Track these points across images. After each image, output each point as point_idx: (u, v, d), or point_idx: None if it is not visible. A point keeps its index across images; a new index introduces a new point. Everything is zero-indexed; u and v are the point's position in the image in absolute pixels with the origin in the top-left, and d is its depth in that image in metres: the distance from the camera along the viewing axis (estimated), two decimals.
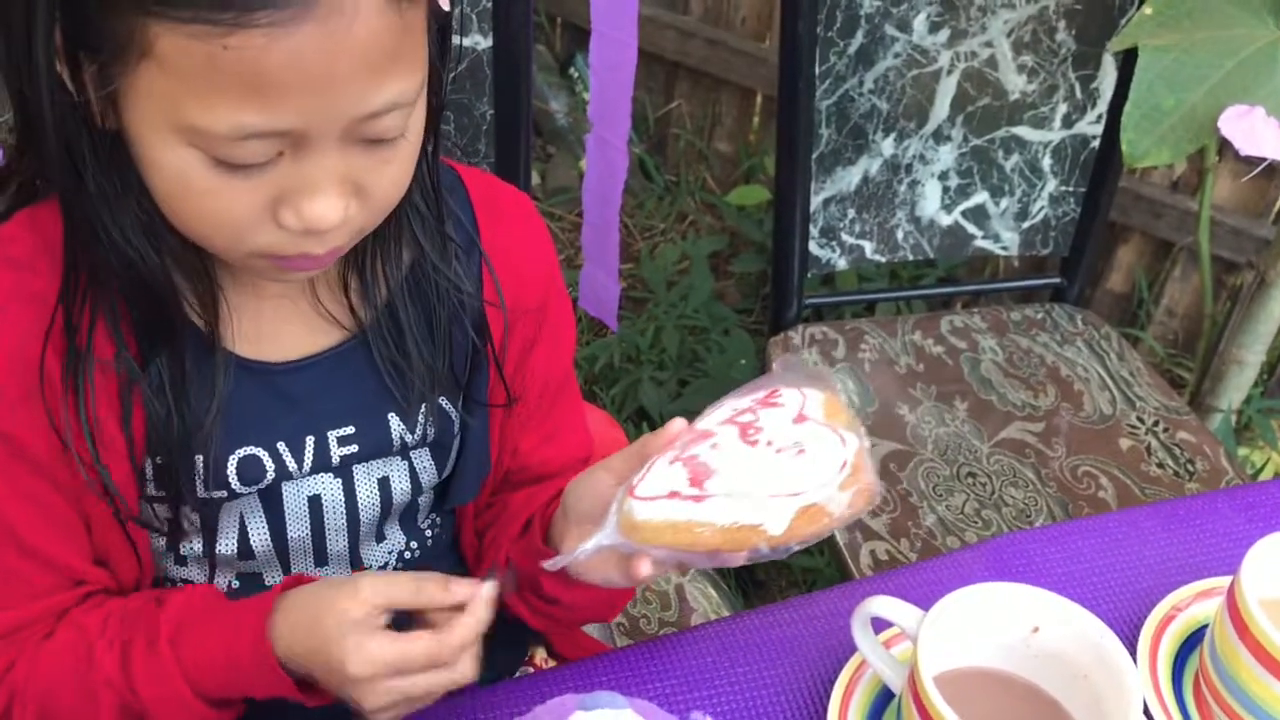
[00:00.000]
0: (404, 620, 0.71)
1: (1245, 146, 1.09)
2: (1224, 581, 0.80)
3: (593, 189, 1.39)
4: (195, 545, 0.78)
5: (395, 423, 0.79)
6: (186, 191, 0.63)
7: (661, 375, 2.03)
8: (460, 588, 0.69)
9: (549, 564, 0.69)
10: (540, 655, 0.98)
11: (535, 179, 2.47)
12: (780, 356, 0.73)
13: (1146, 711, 0.77)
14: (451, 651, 0.68)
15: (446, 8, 0.63)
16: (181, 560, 0.79)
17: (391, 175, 0.67)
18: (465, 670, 0.69)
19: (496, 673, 0.90)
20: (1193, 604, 0.84)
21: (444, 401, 0.80)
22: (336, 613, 0.68)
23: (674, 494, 0.64)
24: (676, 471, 0.65)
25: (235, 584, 0.81)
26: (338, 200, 0.64)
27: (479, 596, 0.69)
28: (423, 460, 0.82)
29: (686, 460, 0.66)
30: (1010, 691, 0.75)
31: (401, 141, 0.65)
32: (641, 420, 1.96)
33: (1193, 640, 0.82)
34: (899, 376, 1.46)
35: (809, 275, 1.47)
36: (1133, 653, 0.80)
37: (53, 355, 0.69)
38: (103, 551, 0.76)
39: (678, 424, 0.69)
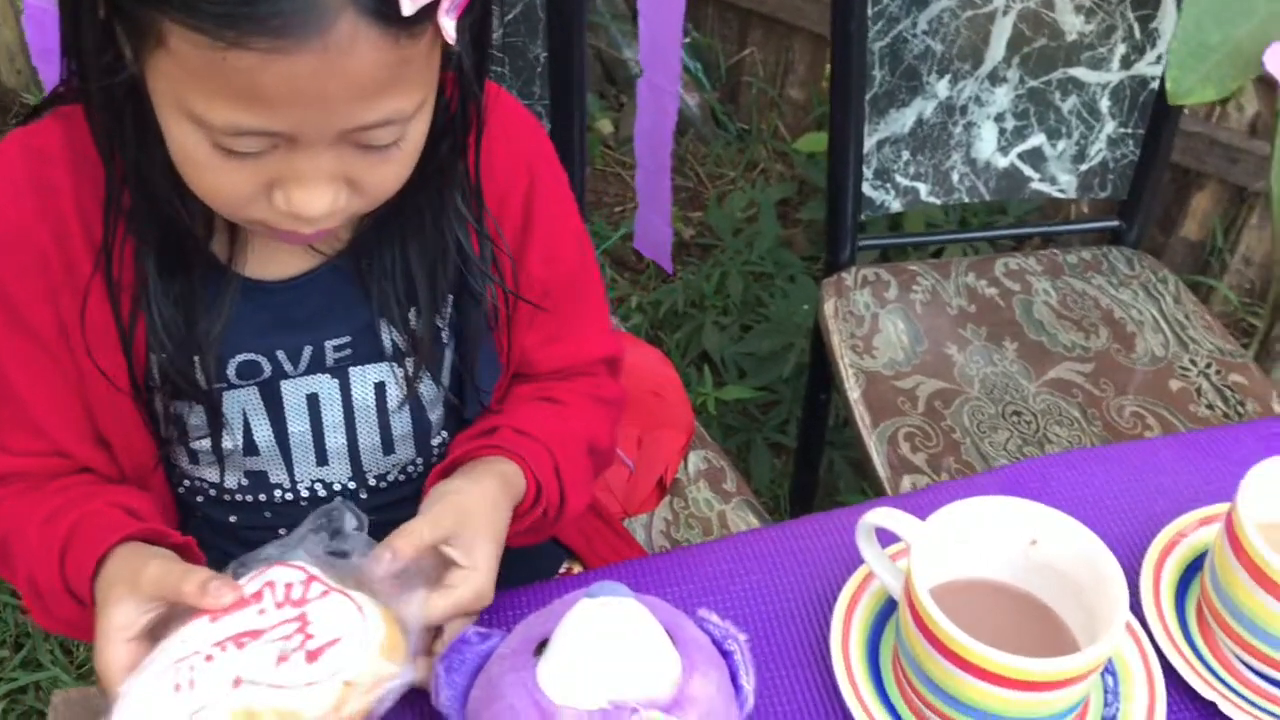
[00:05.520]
0: None
1: None
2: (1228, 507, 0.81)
3: (644, 133, 1.41)
4: (204, 443, 0.83)
5: (385, 329, 0.82)
6: (189, 162, 0.68)
7: (725, 320, 2.06)
8: (210, 592, 0.67)
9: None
10: (576, 570, 1.04)
11: (608, 128, 2.50)
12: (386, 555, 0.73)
13: (1145, 624, 0.80)
14: None
15: (452, 40, 0.65)
16: (194, 458, 0.86)
17: (386, 173, 0.70)
18: None
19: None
20: (1198, 529, 0.85)
21: (436, 318, 0.83)
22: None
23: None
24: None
25: (244, 482, 0.87)
26: (326, 193, 0.68)
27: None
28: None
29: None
30: (1007, 600, 0.78)
31: (395, 149, 0.69)
32: (704, 364, 2.00)
33: (1197, 565, 0.84)
34: (950, 318, 1.48)
35: (863, 217, 1.49)
36: (1137, 575, 0.83)
37: (55, 245, 0.75)
38: (107, 436, 0.82)
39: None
